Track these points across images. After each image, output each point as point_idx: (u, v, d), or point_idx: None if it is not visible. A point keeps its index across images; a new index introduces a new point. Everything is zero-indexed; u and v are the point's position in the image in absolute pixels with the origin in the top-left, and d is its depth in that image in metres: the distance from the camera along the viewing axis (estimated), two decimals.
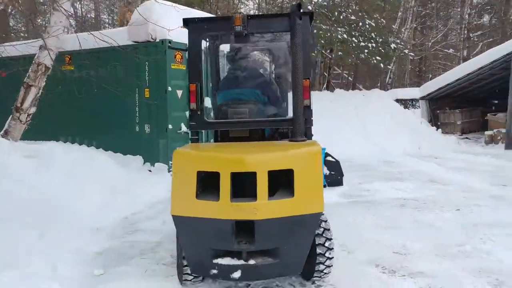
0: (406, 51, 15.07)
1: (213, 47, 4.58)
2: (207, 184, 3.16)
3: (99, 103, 9.02)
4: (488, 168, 8.52)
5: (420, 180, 7.48)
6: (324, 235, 3.36)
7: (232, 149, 3.52)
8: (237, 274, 3.09)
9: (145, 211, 5.89)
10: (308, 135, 3.70)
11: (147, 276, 3.75)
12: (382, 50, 13.57)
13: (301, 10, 3.43)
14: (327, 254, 3.34)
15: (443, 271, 3.62)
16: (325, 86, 17.83)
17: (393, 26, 14.89)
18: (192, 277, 3.38)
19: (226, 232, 3.05)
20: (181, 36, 8.69)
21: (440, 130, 13.94)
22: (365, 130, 12.45)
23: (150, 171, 8.46)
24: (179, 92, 8.75)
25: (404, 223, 5.04)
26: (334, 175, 7.11)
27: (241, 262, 3.10)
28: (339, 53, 14.34)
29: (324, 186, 6.54)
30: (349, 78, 23.67)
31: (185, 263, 3.32)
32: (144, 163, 8.68)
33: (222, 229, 3.05)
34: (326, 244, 3.34)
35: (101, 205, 5.69)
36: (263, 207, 3.00)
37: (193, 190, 3.10)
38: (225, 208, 3.01)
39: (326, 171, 7.06)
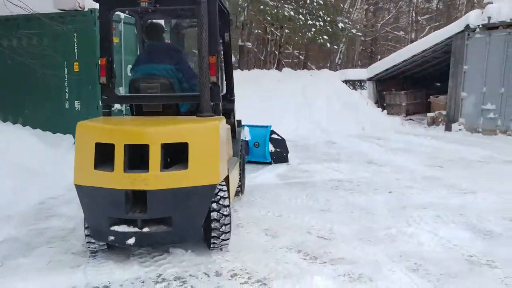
0: (354, 31, 15.06)
1: (139, 23, 4.62)
2: (108, 155, 3.27)
3: (25, 77, 8.28)
4: (426, 150, 8.68)
5: (358, 161, 7.47)
6: (219, 205, 3.48)
7: (132, 123, 3.67)
8: (131, 241, 3.29)
9: (66, 194, 5.43)
10: (217, 111, 3.83)
11: (49, 268, 3.38)
12: (330, 30, 13.44)
13: None
14: (221, 224, 3.48)
15: (365, 257, 3.52)
16: (275, 65, 17.60)
17: (342, 6, 14.74)
18: (95, 244, 3.56)
19: (120, 201, 3.23)
20: None
21: (385, 111, 14.16)
22: (310, 110, 12.38)
23: None
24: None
25: (336, 206, 4.95)
26: (279, 152, 7.31)
27: (136, 229, 3.29)
28: (286, 30, 14.08)
29: (270, 163, 7.10)
30: (301, 57, 23.63)
31: (87, 232, 3.51)
32: (74, 143, 8.12)
33: (116, 198, 3.24)
34: (221, 214, 3.48)
35: (14, 190, 5.17)
36: (155, 178, 3.20)
37: (92, 160, 3.28)
38: (118, 178, 3.20)
39: (272, 148, 7.26)
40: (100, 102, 7.89)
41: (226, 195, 3.55)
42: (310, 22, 12.78)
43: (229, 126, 4.43)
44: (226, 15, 4.66)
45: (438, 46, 12.47)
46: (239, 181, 5.15)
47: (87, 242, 3.56)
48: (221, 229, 3.49)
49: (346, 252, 3.62)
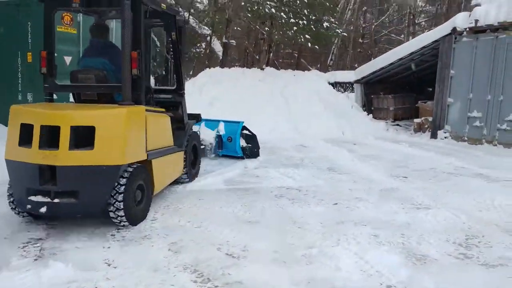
0: (339, 31, 14.48)
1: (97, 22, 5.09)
2: (30, 135, 3.73)
3: None
4: (399, 158, 8.16)
5: (319, 168, 6.97)
6: (117, 188, 3.85)
7: (51, 107, 4.14)
8: (43, 210, 3.75)
9: None
10: (139, 100, 4.27)
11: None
12: (314, 29, 12.89)
13: None
14: (116, 205, 3.85)
15: (267, 281, 3.04)
16: (266, 64, 17.11)
17: (329, 4, 14.13)
18: (18, 211, 4.08)
19: (35, 174, 3.71)
20: None
21: (371, 115, 13.62)
22: (289, 112, 11.90)
23: None
24: (68, 59, 7.77)
25: (268, 217, 4.47)
26: (251, 147, 7.56)
27: (48, 200, 3.75)
28: (266, 28, 13.58)
29: (242, 157, 7.35)
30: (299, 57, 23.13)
31: (9, 199, 4.05)
32: None
33: (32, 171, 3.71)
34: (118, 196, 3.84)
35: None
36: (64, 156, 3.65)
37: (17, 138, 3.82)
38: (34, 154, 3.69)
39: (244, 143, 7.50)
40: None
41: (131, 176, 3.94)
42: (292, 20, 12.27)
43: (167, 117, 4.94)
44: (170, 16, 5.11)
45: (425, 49, 11.92)
46: (186, 169, 5.55)
47: (11, 208, 4.10)
48: (116, 204, 3.86)
49: (248, 274, 3.15)
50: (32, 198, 3.77)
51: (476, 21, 10.06)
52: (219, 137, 7.36)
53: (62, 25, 7.52)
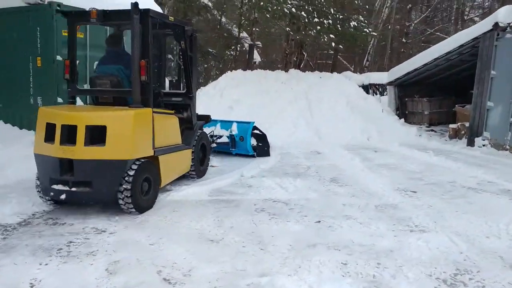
0: (368, 30, 13.53)
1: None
2: (54, 132, 4.35)
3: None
4: (417, 168, 7.42)
5: (320, 178, 6.45)
6: (126, 179, 4.41)
7: (72, 109, 4.76)
8: (63, 196, 4.37)
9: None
10: (147, 103, 4.78)
11: None
12: (340, 28, 12.15)
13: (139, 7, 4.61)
14: (125, 193, 4.41)
15: None
16: (299, 65, 16.60)
17: (363, 3, 13.31)
18: (44, 198, 4.69)
19: (56, 166, 4.35)
20: None
21: (402, 120, 12.71)
22: (311, 115, 11.36)
23: None
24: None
25: (234, 235, 4.08)
26: (261, 146, 7.89)
27: (67, 188, 4.36)
28: (287, 28, 13.03)
29: (253, 155, 7.79)
30: (342, 59, 22.36)
31: (37, 189, 4.67)
32: None
33: (54, 163, 4.36)
34: (126, 186, 4.39)
35: None
36: (79, 151, 4.26)
37: (43, 135, 4.47)
38: (56, 149, 4.33)
39: (254, 142, 7.85)
40: (57, 98, 7.71)
41: (138, 170, 4.51)
42: (316, 19, 11.66)
43: (175, 118, 5.58)
44: (179, 27, 5.66)
45: (464, 48, 10.90)
46: (194, 166, 6.03)
47: (39, 196, 4.72)
48: (124, 193, 4.41)
49: None
50: (54, 186, 4.40)
51: None
52: (232, 137, 7.67)
53: None
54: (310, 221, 4.52)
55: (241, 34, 19.62)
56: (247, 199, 5.31)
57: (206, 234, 4.11)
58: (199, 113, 6.61)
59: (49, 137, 4.40)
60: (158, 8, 9.21)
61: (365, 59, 19.92)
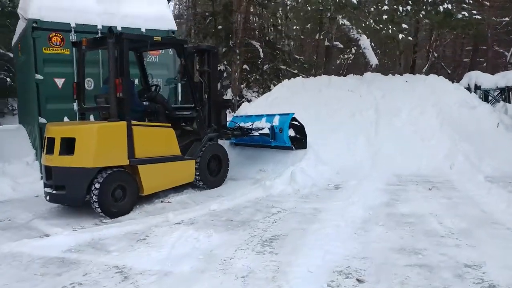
0: (479, 17, 9.29)
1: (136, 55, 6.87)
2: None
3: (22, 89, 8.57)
4: (445, 225, 4.43)
5: (261, 241, 4.22)
6: (96, 183, 4.97)
7: (59, 124, 5.69)
8: (48, 198, 5.22)
9: None
10: (124, 117, 5.26)
11: None
12: (408, 15, 8.68)
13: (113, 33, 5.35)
14: (93, 199, 4.98)
15: None
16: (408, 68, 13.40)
17: None
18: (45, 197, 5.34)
19: (45, 172, 5.31)
20: (63, 14, 7.24)
21: None
22: (375, 131, 8.61)
23: None
24: (60, 81, 7.32)
25: None
26: (298, 138, 7.64)
27: (50, 190, 5.16)
28: (344, 22, 10.11)
29: (291, 148, 7.51)
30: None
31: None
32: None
33: (44, 170, 5.31)
34: (95, 193, 4.96)
35: None
36: (55, 159, 5.07)
37: (45, 148, 5.29)
38: (44, 158, 5.31)
39: (292, 133, 7.53)
40: (41, 119, 7.28)
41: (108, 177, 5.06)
42: (386, 7, 8.74)
43: (167, 130, 5.92)
44: (178, 45, 6.37)
45: None
46: (200, 177, 6.36)
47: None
48: (93, 198, 4.97)
49: None
50: (45, 189, 5.26)
51: None
52: (272, 128, 7.51)
53: (50, 47, 7.11)
54: None
55: (358, 36, 17.20)
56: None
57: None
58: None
59: (43, 148, 5.34)
60: (173, 25, 8.27)
61: (510, 54, 14.70)
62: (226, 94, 13.14)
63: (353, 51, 18.83)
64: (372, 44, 17.25)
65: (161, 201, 5.75)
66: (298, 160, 7.32)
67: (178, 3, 24.29)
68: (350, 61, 18.81)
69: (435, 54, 16.25)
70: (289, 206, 5.35)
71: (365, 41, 17.25)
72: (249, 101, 12.67)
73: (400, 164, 7.68)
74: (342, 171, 7.40)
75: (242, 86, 13.66)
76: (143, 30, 7.72)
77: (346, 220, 4.67)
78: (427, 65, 16.06)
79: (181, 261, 3.68)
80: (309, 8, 11.38)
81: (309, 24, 17.97)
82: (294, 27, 20.61)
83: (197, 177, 6.33)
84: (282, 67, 14.19)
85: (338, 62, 19.36)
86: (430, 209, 5.05)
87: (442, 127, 8.62)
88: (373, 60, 18.01)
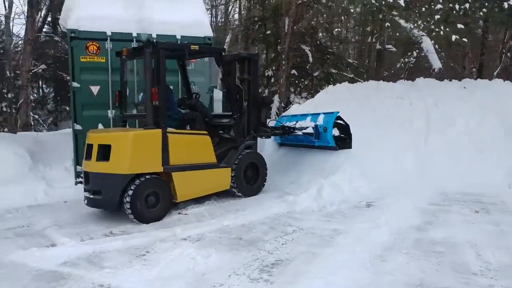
0: None
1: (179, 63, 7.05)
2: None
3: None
4: (474, 262, 3.73)
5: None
6: (129, 190, 5.05)
7: (98, 131, 6.01)
8: (86, 202, 5.38)
9: None
10: (159, 124, 5.39)
11: None
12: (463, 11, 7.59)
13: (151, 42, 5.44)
14: (126, 205, 5.06)
15: None
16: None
17: None
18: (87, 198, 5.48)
19: (84, 177, 5.49)
20: (99, 23, 7.39)
21: None
22: (425, 142, 7.81)
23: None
24: (95, 89, 7.48)
25: None
26: (343, 138, 7.32)
27: (88, 195, 5.33)
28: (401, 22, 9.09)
29: (335, 148, 7.20)
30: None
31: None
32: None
33: (84, 175, 5.49)
34: (128, 199, 5.04)
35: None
36: (93, 165, 5.27)
37: (85, 154, 5.48)
38: (84, 164, 5.47)
39: (336, 133, 7.22)
40: (77, 126, 7.46)
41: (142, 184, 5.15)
42: (440, 6, 7.78)
43: (203, 138, 5.94)
44: (216, 53, 6.46)
45: None
46: (236, 184, 6.32)
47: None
48: (126, 205, 5.06)
49: None
50: (85, 194, 5.42)
51: None
52: (316, 127, 7.24)
53: (87, 55, 7.29)
54: None
55: (420, 38, 16.04)
56: None
57: None
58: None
59: (84, 154, 5.52)
60: (209, 31, 8.09)
61: None
62: (273, 101, 12.83)
63: (415, 54, 17.59)
64: (436, 46, 15.94)
65: (179, 213, 5.57)
66: (332, 172, 6.80)
67: (226, 9, 24.09)
68: (411, 65, 17.59)
69: (509, 55, 14.64)
70: (307, 225, 4.90)
71: (427, 44, 16.03)
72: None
73: (449, 179, 6.87)
74: (383, 186, 6.73)
75: (290, 91, 13.26)
76: (178, 37, 7.64)
77: (365, 246, 4.15)
78: (498, 69, 14.49)
79: (168, 283, 3.45)
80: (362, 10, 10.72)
81: (368, 27, 17.10)
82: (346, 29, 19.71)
83: (232, 185, 6.29)
84: (333, 71, 13.57)
85: (398, 66, 18.22)
86: (469, 236, 4.33)
87: (506, 138, 7.61)
88: (436, 64, 16.64)
